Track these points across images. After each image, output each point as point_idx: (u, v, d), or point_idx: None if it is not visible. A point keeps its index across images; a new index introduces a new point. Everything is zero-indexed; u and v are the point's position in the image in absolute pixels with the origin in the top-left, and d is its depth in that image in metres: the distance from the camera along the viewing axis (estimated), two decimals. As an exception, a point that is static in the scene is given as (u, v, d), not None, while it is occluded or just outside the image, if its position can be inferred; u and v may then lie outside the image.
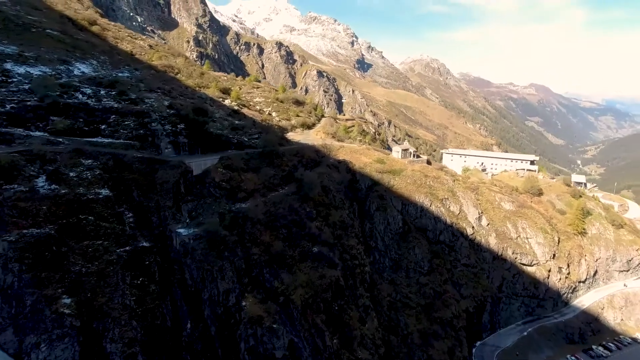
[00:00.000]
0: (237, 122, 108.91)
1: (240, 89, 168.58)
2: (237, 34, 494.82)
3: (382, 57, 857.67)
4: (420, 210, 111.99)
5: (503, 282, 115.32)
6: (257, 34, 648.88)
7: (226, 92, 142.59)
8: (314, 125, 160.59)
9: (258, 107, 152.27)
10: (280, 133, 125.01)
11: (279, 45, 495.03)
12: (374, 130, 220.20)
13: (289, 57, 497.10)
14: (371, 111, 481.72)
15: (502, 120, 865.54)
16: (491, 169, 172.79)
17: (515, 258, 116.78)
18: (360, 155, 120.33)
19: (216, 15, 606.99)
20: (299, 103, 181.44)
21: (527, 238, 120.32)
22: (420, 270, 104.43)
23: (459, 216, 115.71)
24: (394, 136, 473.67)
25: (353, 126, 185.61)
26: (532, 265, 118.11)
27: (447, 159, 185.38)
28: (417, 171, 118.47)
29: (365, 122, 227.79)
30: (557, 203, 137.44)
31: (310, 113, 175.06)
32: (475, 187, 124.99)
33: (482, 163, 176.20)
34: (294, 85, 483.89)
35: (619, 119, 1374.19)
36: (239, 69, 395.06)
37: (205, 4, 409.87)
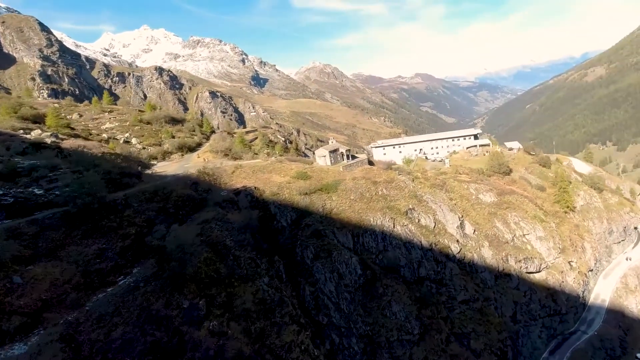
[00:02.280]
0: (26, 163, 56.78)
1: (80, 115, 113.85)
2: (107, 66, 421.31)
3: (277, 70, 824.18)
4: (382, 239, 69.54)
5: (516, 307, 77.25)
6: (137, 66, 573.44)
7: (41, 120, 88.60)
8: (199, 145, 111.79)
9: (106, 135, 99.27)
10: (136, 166, 74.63)
11: (160, 70, 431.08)
12: (283, 139, 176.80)
13: (174, 83, 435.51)
14: (277, 123, 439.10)
15: (401, 110, 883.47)
16: (432, 154, 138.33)
17: (521, 268, 79.83)
18: (270, 174, 74.91)
19: (79, 50, 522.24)
20: (176, 121, 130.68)
21: (524, 235, 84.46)
22: (408, 339, 61.62)
23: (436, 230, 75.57)
24: (306, 144, 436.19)
25: (256, 138, 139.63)
26: (542, 271, 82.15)
27: (378, 154, 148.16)
28: (360, 179, 76.50)
29: (271, 130, 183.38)
30: (530, 178, 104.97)
31: (194, 131, 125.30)
32: (441, 182, 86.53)
33: (421, 150, 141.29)
34: (186, 111, 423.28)
35: (492, 92, 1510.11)
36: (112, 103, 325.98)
37: (49, 32, 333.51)
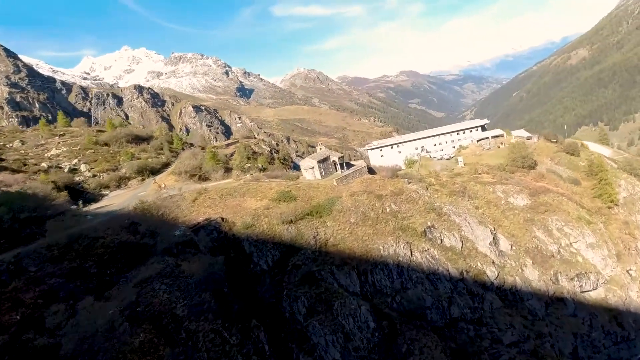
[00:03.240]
0: None
1: (22, 143, 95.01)
2: (84, 89, 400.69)
3: (262, 79, 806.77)
4: (398, 273, 51.18)
5: (576, 340, 59.04)
6: (119, 87, 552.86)
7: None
8: (166, 165, 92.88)
9: (45, 165, 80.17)
10: (49, 204, 55.52)
11: (139, 89, 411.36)
12: (268, 149, 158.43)
13: (156, 100, 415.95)
14: (265, 132, 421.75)
15: (390, 109, 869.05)
16: (437, 151, 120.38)
17: (574, 287, 61.82)
18: (243, 199, 56.45)
19: (56, 76, 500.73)
20: (141, 139, 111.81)
21: (571, 244, 66.50)
22: (448, 417, 42.76)
23: (465, 252, 57.36)
24: (297, 151, 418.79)
25: (234, 151, 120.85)
26: (599, 288, 64.16)
27: (375, 156, 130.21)
28: (361, 194, 58.39)
29: (254, 140, 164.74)
30: (560, 171, 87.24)
31: (161, 149, 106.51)
32: (461, 186, 68.42)
33: (423, 147, 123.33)
34: (171, 128, 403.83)
35: (478, 84, 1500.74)
36: (87, 126, 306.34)
37: (16, 58, 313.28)
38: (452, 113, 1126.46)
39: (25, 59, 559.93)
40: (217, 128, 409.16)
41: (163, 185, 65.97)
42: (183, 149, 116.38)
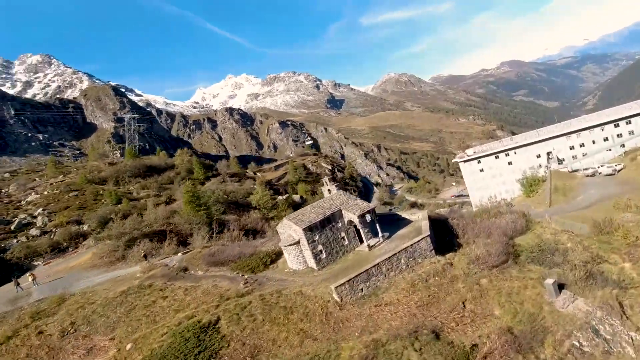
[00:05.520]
0: None
1: (17, 187, 76.94)
2: (184, 117, 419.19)
3: (352, 89, 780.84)
4: None
5: None
6: (214, 112, 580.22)
7: None
8: (168, 202, 64.98)
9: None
10: None
11: (230, 110, 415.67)
12: (330, 167, 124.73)
13: (245, 120, 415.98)
14: (352, 143, 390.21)
15: (491, 105, 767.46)
16: (580, 161, 72.00)
17: None
18: (88, 342, 21.84)
19: (169, 108, 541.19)
20: (158, 171, 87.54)
21: None
22: None
23: None
24: (388, 159, 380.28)
25: (285, 173, 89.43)
26: None
27: (470, 172, 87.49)
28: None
29: (312, 158, 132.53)
30: None
31: (171, 183, 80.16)
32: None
33: (551, 154, 75.91)
34: (260, 146, 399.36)
35: (600, 63, 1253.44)
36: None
37: (123, 95, 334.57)
38: (569, 101, 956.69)
39: (150, 97, 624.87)
40: (304, 142, 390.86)
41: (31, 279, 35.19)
42: (207, 179, 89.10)
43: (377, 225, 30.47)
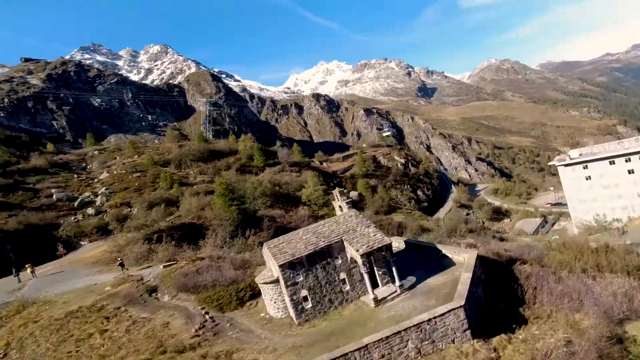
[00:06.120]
0: None
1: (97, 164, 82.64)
2: (273, 101, 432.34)
3: (445, 76, 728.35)
4: None
5: None
6: (302, 97, 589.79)
7: None
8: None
9: (55, 196, 61.95)
10: None
11: (317, 96, 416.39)
12: (403, 161, 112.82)
13: (331, 106, 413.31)
14: (440, 134, 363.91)
15: (613, 95, 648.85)
16: None
17: None
18: None
19: (262, 93, 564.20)
20: (221, 155, 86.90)
21: None
22: None
23: None
24: (479, 153, 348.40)
25: (352, 165, 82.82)
26: None
27: (572, 178, 70.48)
28: None
29: (384, 150, 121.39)
30: None
31: (228, 169, 78.36)
32: None
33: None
34: (344, 133, 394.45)
35: None
36: (267, 134, 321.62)
37: (219, 81, 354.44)
38: None
39: (246, 82, 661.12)
40: (389, 130, 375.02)
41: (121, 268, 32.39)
42: (266, 166, 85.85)
43: (394, 268, 21.08)
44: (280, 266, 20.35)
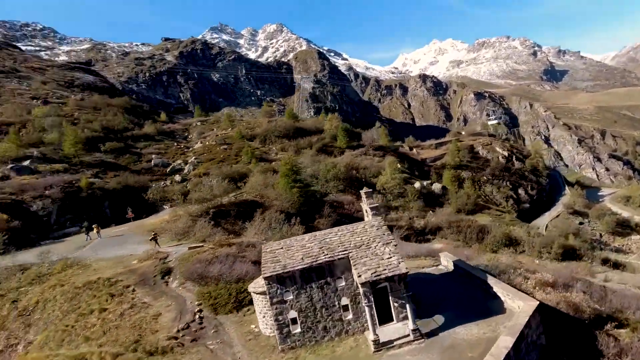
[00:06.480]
0: None
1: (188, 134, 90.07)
2: (378, 81, 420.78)
3: (581, 57, 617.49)
4: None
5: None
6: (407, 78, 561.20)
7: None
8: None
9: (152, 161, 68.24)
10: None
11: (423, 78, 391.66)
12: (506, 153, 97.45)
13: (437, 89, 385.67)
14: (564, 124, 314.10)
15: None
16: None
17: None
18: None
19: (368, 72, 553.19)
20: (307, 133, 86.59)
21: None
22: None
23: None
24: (614, 150, 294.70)
25: (444, 154, 75.73)
26: None
27: None
28: None
29: (484, 139, 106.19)
30: None
31: (309, 147, 77.37)
32: None
33: None
34: (449, 118, 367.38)
35: None
36: (368, 114, 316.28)
37: (325, 59, 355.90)
38: None
39: (353, 61, 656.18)
40: (499, 118, 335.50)
41: (154, 243, 34.75)
42: (349, 148, 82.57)
43: (408, 305, 16.28)
44: (265, 278, 17.07)
